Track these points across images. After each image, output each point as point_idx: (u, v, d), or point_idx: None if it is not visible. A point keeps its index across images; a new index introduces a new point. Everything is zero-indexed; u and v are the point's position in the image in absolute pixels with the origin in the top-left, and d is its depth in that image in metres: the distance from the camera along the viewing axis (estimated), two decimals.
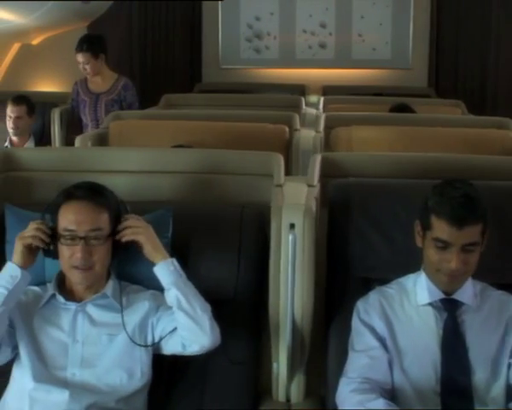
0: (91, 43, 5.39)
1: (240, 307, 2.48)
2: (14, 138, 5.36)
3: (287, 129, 4.02)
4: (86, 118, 5.46)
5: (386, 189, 2.53)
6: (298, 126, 4.22)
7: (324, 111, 5.68)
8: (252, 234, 2.53)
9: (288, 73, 7.86)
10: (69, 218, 2.24)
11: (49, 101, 5.97)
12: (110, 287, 2.32)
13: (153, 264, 2.32)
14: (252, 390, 2.43)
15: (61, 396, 2.16)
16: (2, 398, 2.25)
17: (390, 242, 2.44)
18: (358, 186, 2.53)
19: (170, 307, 2.27)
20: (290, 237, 2.29)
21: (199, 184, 2.78)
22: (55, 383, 2.19)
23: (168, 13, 7.76)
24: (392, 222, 2.44)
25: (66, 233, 2.23)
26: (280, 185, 2.57)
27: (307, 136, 4.13)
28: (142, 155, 2.87)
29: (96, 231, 2.23)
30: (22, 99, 5.46)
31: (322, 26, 7.87)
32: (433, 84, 7.79)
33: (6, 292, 2.17)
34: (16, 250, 2.22)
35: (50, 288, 2.33)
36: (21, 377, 2.23)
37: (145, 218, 2.44)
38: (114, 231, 2.29)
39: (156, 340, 2.28)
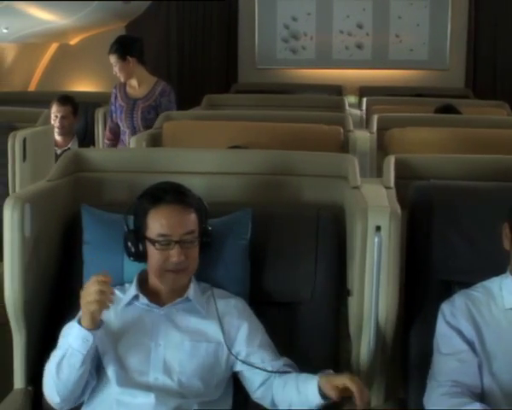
0: (120, 45, 5.04)
1: (316, 310, 2.46)
2: (59, 138, 5.36)
3: (341, 130, 3.98)
4: (123, 125, 5.10)
5: (468, 191, 2.49)
6: (351, 127, 4.18)
7: (367, 112, 5.66)
8: (328, 236, 2.51)
9: (324, 73, 7.83)
10: (162, 223, 2.22)
11: (92, 101, 5.96)
12: (192, 290, 2.30)
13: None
14: None
15: (146, 400, 2.14)
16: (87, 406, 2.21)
17: (473, 244, 2.40)
18: (440, 188, 2.50)
19: (258, 325, 2.28)
20: (376, 240, 2.25)
21: (268, 186, 2.75)
22: (138, 386, 2.16)
23: (205, 13, 7.75)
24: (475, 224, 2.41)
25: (161, 238, 2.21)
26: (357, 187, 2.53)
27: (360, 137, 4.09)
28: (213, 156, 2.85)
29: (189, 233, 2.23)
30: (67, 99, 5.48)
31: (359, 26, 7.83)
32: (471, 84, 7.73)
33: (82, 356, 2.10)
34: (84, 314, 2.10)
35: (132, 289, 2.30)
36: (105, 382, 2.20)
37: (224, 219, 2.42)
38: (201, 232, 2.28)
39: (240, 357, 2.24)
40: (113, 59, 5.05)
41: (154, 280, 2.30)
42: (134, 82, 5.09)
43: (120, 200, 2.68)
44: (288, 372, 2.21)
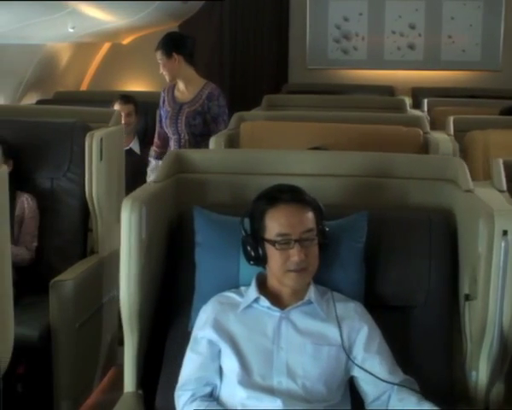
0: (167, 41, 4.72)
1: (431, 314, 2.44)
2: None
3: (421, 132, 3.92)
4: (168, 130, 4.80)
5: None
6: (428, 129, 4.12)
7: (429, 113, 5.59)
8: (441, 240, 2.49)
9: (375, 74, 7.78)
10: (281, 222, 2.19)
11: (152, 100, 5.93)
12: (312, 292, 2.26)
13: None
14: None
15: (273, 404, 2.10)
16: None
17: None
18: None
19: (376, 331, 2.25)
20: (502, 244, 2.20)
21: (370, 188, 2.72)
22: (263, 391, 2.13)
23: (258, 13, 7.72)
24: None
25: (280, 238, 2.19)
26: (470, 191, 2.48)
27: (441, 139, 4.03)
28: (312, 158, 2.82)
29: (308, 232, 2.21)
30: (130, 98, 5.46)
31: (412, 27, 7.77)
32: None
33: None
34: None
35: (252, 291, 2.27)
36: (226, 384, 2.17)
37: (340, 222, 2.39)
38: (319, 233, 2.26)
39: (356, 361, 2.21)
40: (158, 55, 4.73)
41: (274, 282, 2.27)
42: (181, 84, 4.78)
43: (222, 201, 2.66)
44: (405, 388, 2.15)
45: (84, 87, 7.48)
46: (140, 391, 2.42)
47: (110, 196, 4.06)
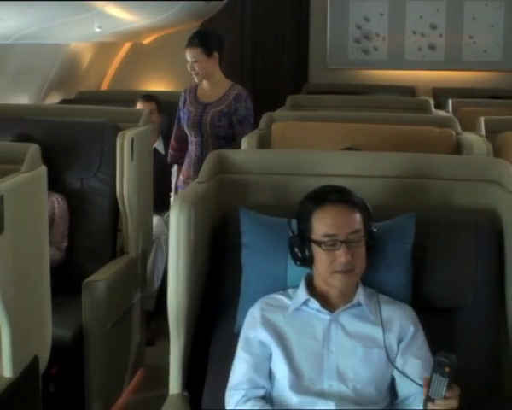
0: (205, 38, 4.50)
1: (477, 316, 2.42)
2: None
3: (453, 133, 3.89)
4: (190, 132, 4.58)
5: None
6: (459, 130, 4.09)
7: (454, 114, 5.55)
8: (487, 241, 2.46)
9: (396, 74, 7.75)
10: (328, 223, 2.18)
11: (174, 100, 5.91)
12: (361, 294, 2.24)
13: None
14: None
15: (327, 408, 2.08)
16: None
17: None
18: None
19: (421, 335, 2.22)
20: None
21: (412, 190, 2.69)
22: (314, 394, 2.11)
23: (278, 12, 7.70)
24: None
25: (327, 239, 2.17)
26: None
27: (474, 140, 4.00)
28: (354, 159, 2.80)
29: (355, 233, 2.19)
30: (151, 96, 5.44)
31: (433, 27, 7.74)
32: None
33: None
34: None
35: (302, 293, 2.25)
36: (277, 387, 2.16)
37: (388, 223, 2.37)
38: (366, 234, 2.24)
39: (397, 364, 2.18)
40: (194, 53, 4.47)
41: (321, 284, 2.25)
42: (207, 84, 4.58)
43: (263, 202, 2.64)
44: None
45: (104, 87, 7.48)
46: (185, 393, 2.40)
47: (140, 196, 4.05)
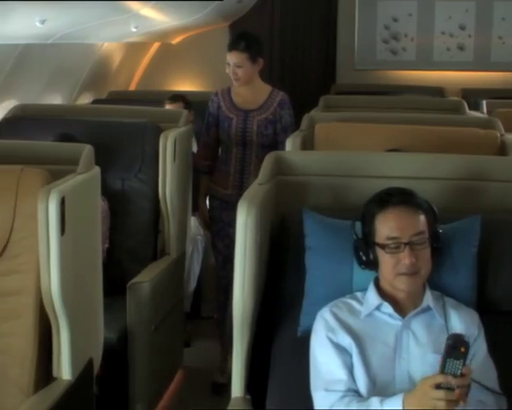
0: (251, 43, 4.18)
1: None
2: None
3: (498, 134, 3.85)
4: (230, 140, 4.22)
5: None
6: (503, 131, 4.05)
7: (489, 115, 5.51)
8: None
9: (424, 75, 7.71)
10: (391, 225, 2.16)
11: (207, 100, 5.88)
12: (429, 298, 2.21)
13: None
14: None
15: None
16: None
17: None
18: None
19: (483, 343, 2.20)
20: None
21: (466, 192, 2.67)
22: None
23: (306, 12, 7.68)
24: None
25: (390, 241, 2.15)
26: None
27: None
28: (410, 160, 2.77)
29: (419, 235, 2.16)
30: (178, 96, 5.41)
31: (462, 27, 7.70)
32: None
33: None
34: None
35: (373, 298, 2.22)
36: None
37: (454, 225, 2.34)
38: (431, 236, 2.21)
39: None
40: (238, 58, 4.15)
41: (388, 287, 2.22)
42: (244, 89, 4.24)
43: (321, 204, 2.61)
44: None
45: (132, 87, 7.48)
46: (248, 396, 2.38)
47: (180, 197, 4.04)
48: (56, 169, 2.65)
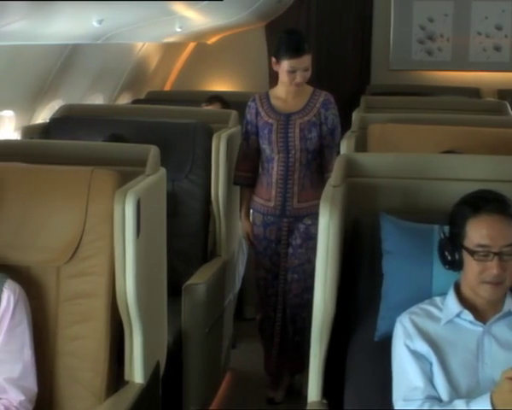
0: (309, 42, 3.96)
1: None
2: None
3: None
4: (271, 148, 3.87)
5: None
6: None
7: None
8: None
9: (460, 75, 7.64)
10: (482, 233, 2.12)
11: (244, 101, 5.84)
12: (510, 303, 2.18)
13: None
14: None
15: None
16: None
17: None
18: None
19: None
20: None
21: None
22: None
23: (342, 12, 7.64)
24: None
25: (480, 249, 2.12)
26: None
27: None
28: (481, 162, 2.73)
29: (509, 246, 2.11)
30: (215, 97, 5.39)
31: (498, 28, 7.62)
32: None
33: None
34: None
35: (452, 304, 2.20)
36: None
37: None
38: None
39: None
40: (307, 61, 3.84)
41: (469, 292, 2.20)
42: (285, 92, 3.92)
43: (393, 207, 2.58)
44: None
45: (167, 87, 7.47)
46: (324, 400, 2.35)
47: (230, 198, 4.02)
48: (121, 170, 2.62)
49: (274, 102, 3.94)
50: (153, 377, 2.60)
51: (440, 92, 7.01)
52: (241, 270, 4.79)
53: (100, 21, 3.31)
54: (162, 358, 2.81)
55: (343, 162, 2.59)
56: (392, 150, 3.61)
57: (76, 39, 3.91)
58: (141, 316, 2.43)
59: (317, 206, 3.57)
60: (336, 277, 2.26)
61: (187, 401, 3.55)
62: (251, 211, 4.07)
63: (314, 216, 3.63)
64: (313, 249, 3.65)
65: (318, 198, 3.60)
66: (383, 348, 2.29)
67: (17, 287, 2.36)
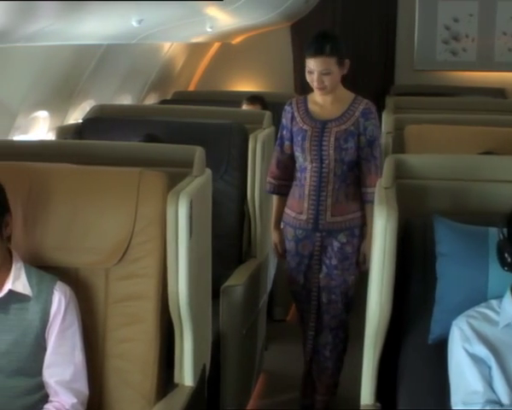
0: (336, 44, 3.60)
1: None
2: None
3: None
4: (304, 156, 3.61)
5: None
6: None
7: None
8: None
9: (485, 76, 7.61)
10: None
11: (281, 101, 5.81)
12: None
13: None
14: None
15: None
16: None
17: None
18: None
19: None
20: None
21: None
22: None
23: (366, 13, 7.63)
24: None
25: None
26: None
27: None
28: None
29: None
30: (256, 98, 5.36)
31: None
32: None
33: None
34: None
35: (509, 308, 2.16)
36: None
37: None
38: None
39: None
40: (326, 64, 3.56)
41: None
42: (324, 97, 3.65)
43: (442, 209, 2.55)
44: None
45: (191, 87, 7.47)
46: (378, 404, 2.33)
47: (266, 199, 4.00)
48: (166, 171, 2.60)
49: (311, 107, 3.67)
50: (201, 380, 2.59)
51: (465, 93, 6.99)
52: (271, 272, 4.77)
53: (139, 21, 3.30)
54: (207, 360, 2.79)
55: (392, 164, 2.57)
56: (431, 151, 3.59)
57: (113, 39, 3.90)
58: (192, 318, 2.42)
59: (352, 220, 3.62)
60: (392, 280, 2.24)
61: (224, 402, 3.53)
62: (282, 224, 3.83)
63: (349, 233, 3.63)
64: (349, 270, 3.67)
65: (354, 212, 3.63)
66: (437, 351, 2.27)
67: (67, 289, 2.35)
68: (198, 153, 2.74)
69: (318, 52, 3.54)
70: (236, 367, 3.56)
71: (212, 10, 4.30)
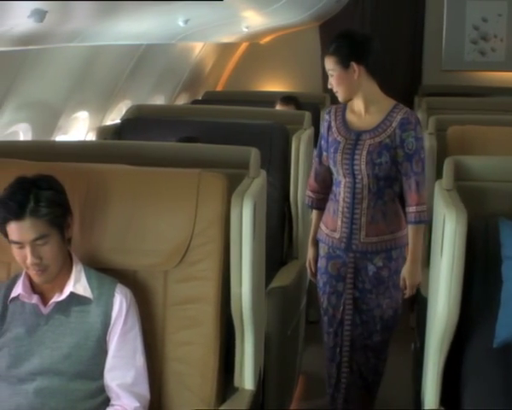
0: (343, 44, 3.24)
1: None
2: None
3: None
4: (337, 169, 3.30)
5: None
6: None
7: None
8: None
9: None
10: None
11: (315, 102, 5.80)
12: None
13: None
14: None
15: None
16: None
17: None
18: None
19: None
20: None
21: None
22: None
23: (395, 13, 7.60)
24: None
25: None
26: None
27: None
28: None
29: None
30: (290, 98, 5.33)
31: None
32: None
33: None
34: None
35: None
36: None
37: None
38: None
39: None
40: (328, 63, 3.28)
41: None
42: (360, 105, 3.30)
43: (501, 211, 2.53)
44: None
45: (219, 87, 7.46)
46: (442, 408, 2.31)
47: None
48: (226, 172, 2.58)
49: (349, 116, 3.33)
50: (259, 384, 2.57)
51: (494, 93, 6.95)
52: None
53: (186, 21, 3.28)
54: (262, 363, 2.77)
55: (451, 165, 2.55)
56: (476, 153, 3.58)
57: (156, 39, 3.89)
58: (254, 321, 2.39)
59: (390, 242, 3.26)
60: (461, 284, 2.21)
61: (267, 404, 3.50)
62: (318, 239, 3.52)
63: (385, 256, 3.28)
64: (383, 294, 3.32)
65: (391, 233, 3.27)
66: (504, 356, 2.25)
67: (128, 292, 2.33)
68: (253, 154, 2.72)
69: (327, 51, 3.31)
70: (280, 369, 3.53)
71: (250, 11, 4.28)
